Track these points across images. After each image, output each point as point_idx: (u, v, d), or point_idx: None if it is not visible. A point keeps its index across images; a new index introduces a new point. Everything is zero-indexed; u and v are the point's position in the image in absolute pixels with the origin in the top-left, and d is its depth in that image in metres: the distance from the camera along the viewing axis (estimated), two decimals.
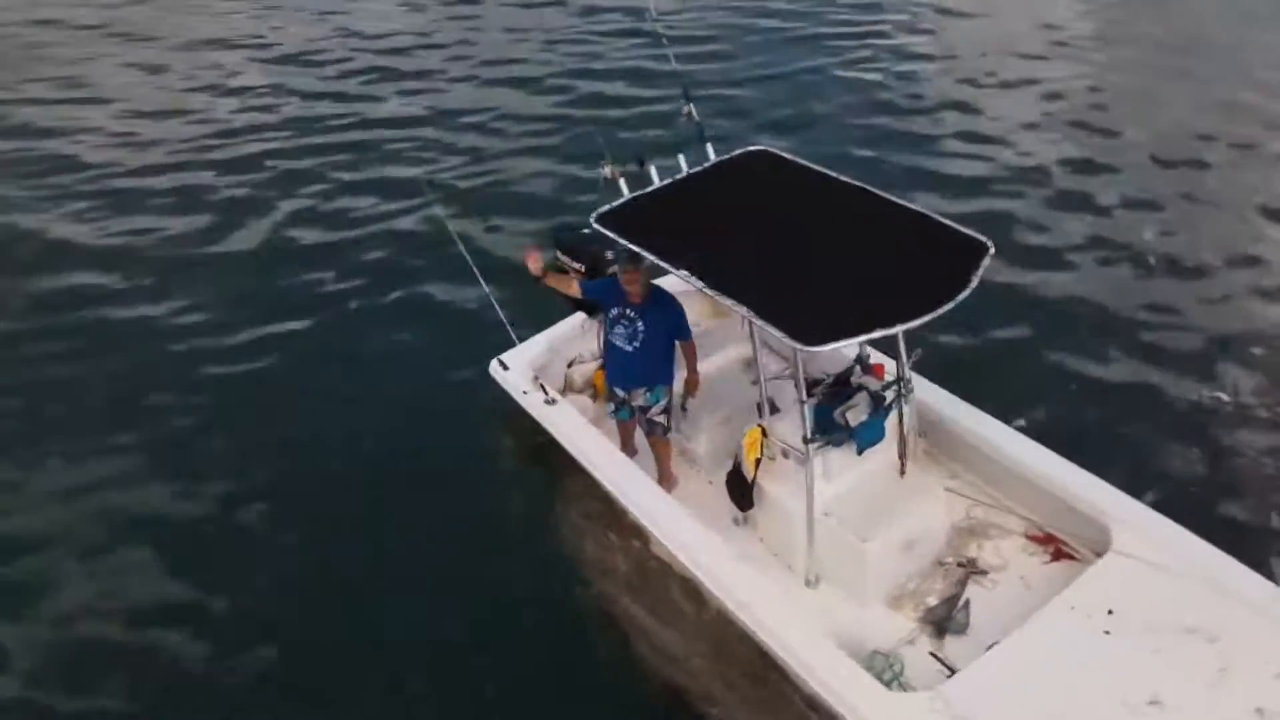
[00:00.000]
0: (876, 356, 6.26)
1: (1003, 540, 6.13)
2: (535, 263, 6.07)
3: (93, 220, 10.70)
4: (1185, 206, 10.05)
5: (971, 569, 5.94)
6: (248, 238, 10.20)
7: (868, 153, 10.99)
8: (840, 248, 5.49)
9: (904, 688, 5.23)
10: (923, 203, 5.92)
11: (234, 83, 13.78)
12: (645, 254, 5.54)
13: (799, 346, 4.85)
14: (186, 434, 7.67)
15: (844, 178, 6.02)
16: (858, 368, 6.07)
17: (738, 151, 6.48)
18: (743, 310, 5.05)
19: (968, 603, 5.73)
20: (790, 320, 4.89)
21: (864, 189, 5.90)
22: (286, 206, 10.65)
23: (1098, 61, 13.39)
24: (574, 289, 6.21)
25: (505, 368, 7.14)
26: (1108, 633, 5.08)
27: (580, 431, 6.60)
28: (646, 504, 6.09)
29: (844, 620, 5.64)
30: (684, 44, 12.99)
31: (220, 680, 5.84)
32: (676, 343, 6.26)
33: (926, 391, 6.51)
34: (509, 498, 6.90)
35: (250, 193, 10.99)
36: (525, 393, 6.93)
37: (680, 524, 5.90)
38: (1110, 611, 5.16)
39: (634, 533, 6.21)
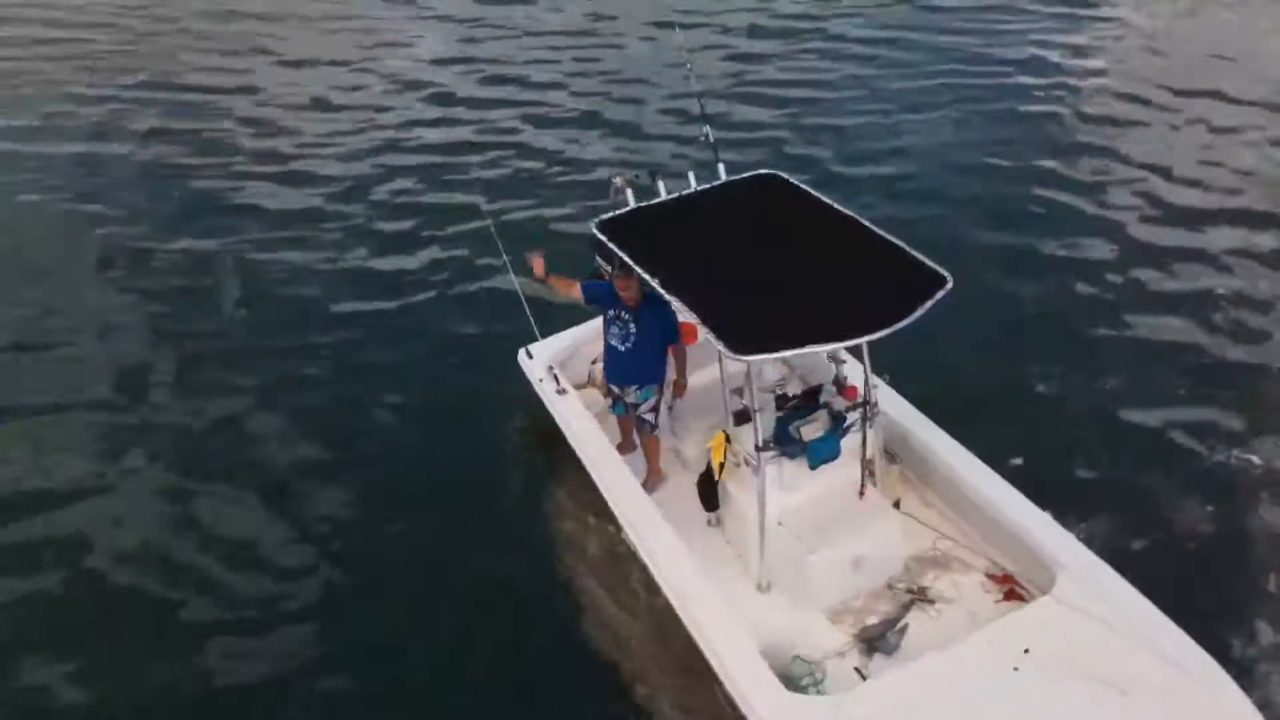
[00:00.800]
0: (856, 379, 6.46)
1: (961, 575, 6.19)
2: (539, 266, 6.63)
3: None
4: None
5: (919, 596, 6.05)
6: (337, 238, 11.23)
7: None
8: (806, 269, 5.75)
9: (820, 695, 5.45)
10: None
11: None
12: (625, 259, 6.00)
13: (729, 354, 5.19)
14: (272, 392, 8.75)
15: (841, 208, 6.25)
16: (832, 387, 6.31)
17: (749, 174, 6.83)
18: (693, 317, 5.42)
19: (905, 627, 5.86)
20: (730, 329, 5.23)
21: (854, 220, 6.11)
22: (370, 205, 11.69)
23: None
24: (575, 290, 6.73)
25: (530, 356, 7.72)
26: (1016, 669, 5.14)
27: (579, 421, 7.08)
28: (619, 494, 6.50)
29: (782, 626, 5.88)
30: (709, 76, 13.56)
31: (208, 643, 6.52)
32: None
33: (909, 419, 6.67)
34: (512, 472, 7.54)
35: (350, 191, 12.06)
36: (540, 380, 7.50)
37: (644, 516, 6.29)
38: (1026, 651, 5.21)
39: (610, 519, 6.65)
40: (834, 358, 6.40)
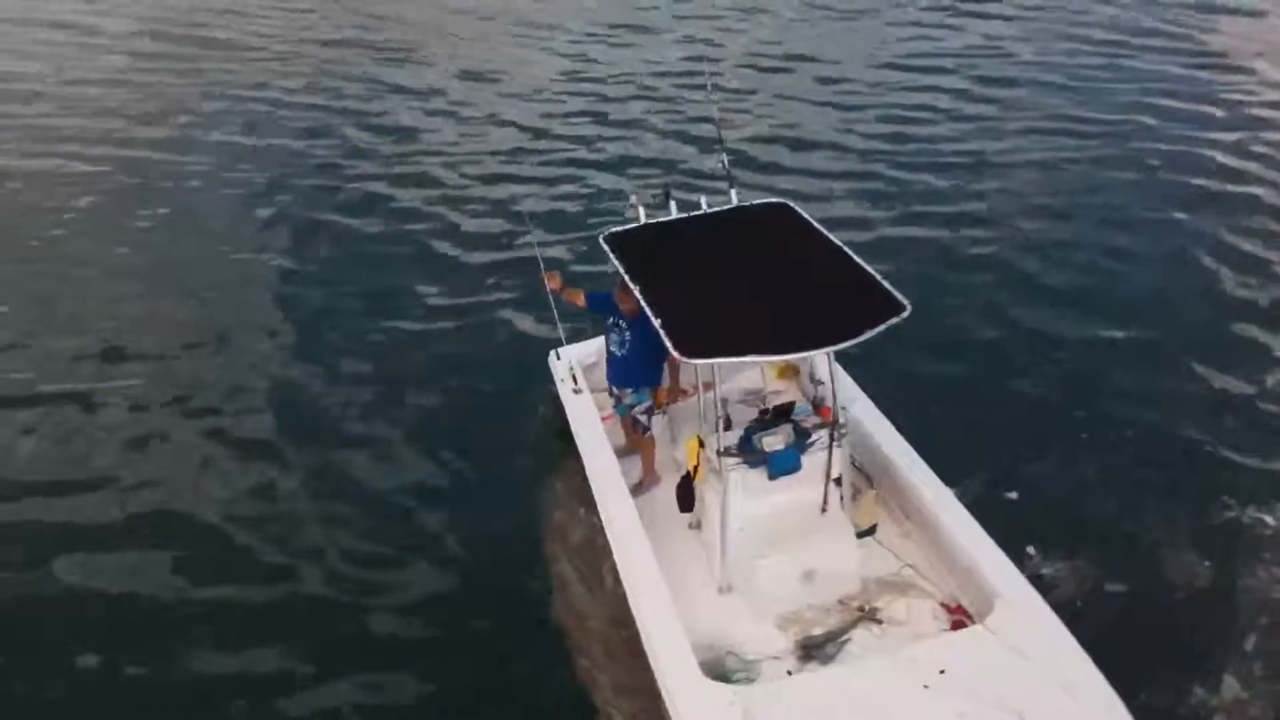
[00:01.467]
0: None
1: (918, 601, 6.32)
2: (553, 280, 7.31)
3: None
4: None
5: (868, 615, 6.21)
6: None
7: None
8: (776, 289, 6.09)
9: None
10: None
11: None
12: (620, 268, 6.50)
13: (677, 355, 5.60)
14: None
15: (833, 238, 6.55)
16: (808, 405, 6.59)
17: (757, 201, 7.23)
18: (656, 323, 5.87)
19: (847, 641, 6.05)
20: (682, 333, 5.65)
21: (840, 249, 6.36)
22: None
23: None
24: (580, 299, 7.28)
25: (558, 358, 8.31)
26: (926, 687, 5.28)
27: (586, 419, 7.59)
28: (604, 486, 6.93)
29: (731, 626, 6.17)
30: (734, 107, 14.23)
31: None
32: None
33: (891, 447, 6.87)
34: (524, 458, 8.21)
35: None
36: (561, 380, 8.07)
37: (620, 509, 6.68)
38: (942, 672, 5.35)
39: (594, 510, 7.10)
40: (815, 379, 6.67)
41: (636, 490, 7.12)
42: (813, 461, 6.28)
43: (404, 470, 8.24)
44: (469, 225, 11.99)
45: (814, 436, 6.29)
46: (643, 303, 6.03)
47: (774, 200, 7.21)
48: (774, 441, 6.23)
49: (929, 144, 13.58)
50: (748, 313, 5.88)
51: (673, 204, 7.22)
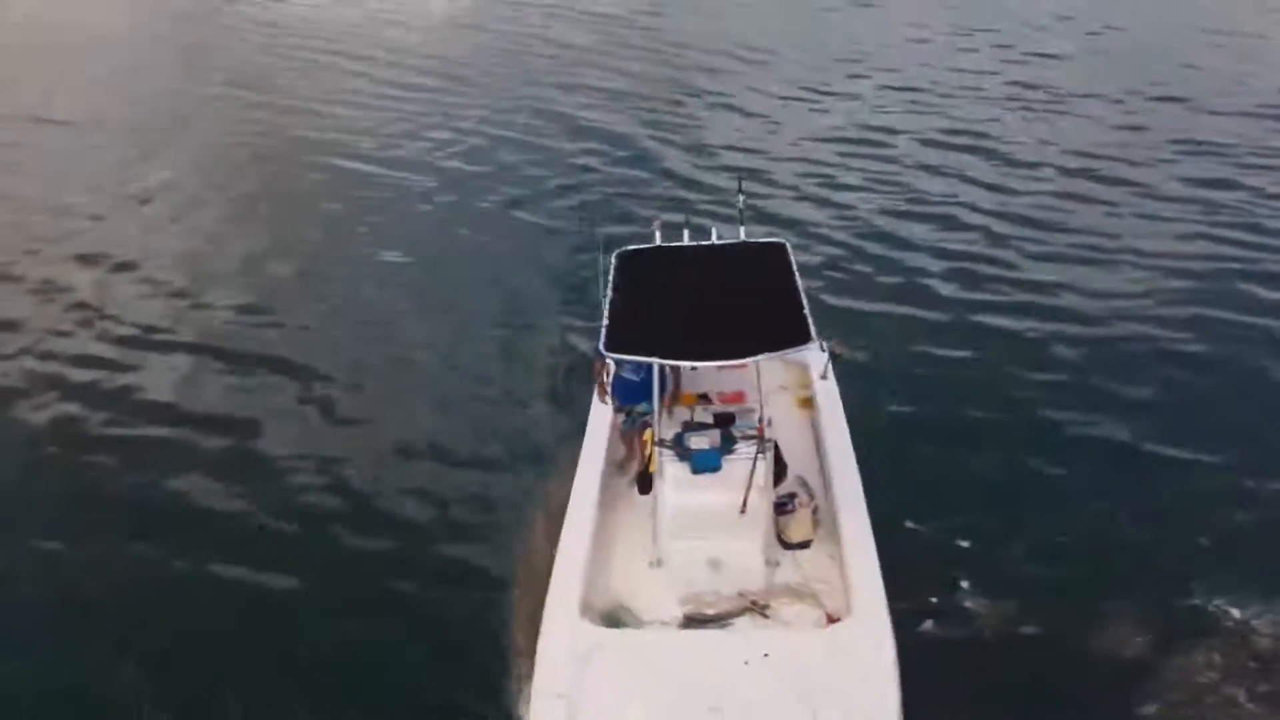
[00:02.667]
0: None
1: (809, 608, 6.92)
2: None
3: None
4: None
5: (757, 609, 6.94)
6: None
7: None
8: (712, 313, 7.06)
9: None
10: None
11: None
12: (610, 281, 7.68)
13: (600, 349, 6.73)
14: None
15: (796, 278, 7.40)
16: (748, 419, 7.43)
17: (760, 239, 8.15)
18: (605, 323, 7.02)
19: (728, 625, 6.84)
20: (611, 335, 6.78)
21: (797, 292, 7.21)
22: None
23: None
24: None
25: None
26: (745, 664, 6.06)
27: (599, 420, 8.68)
28: (584, 469, 7.97)
29: (639, 590, 7.10)
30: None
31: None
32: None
33: (841, 472, 7.60)
34: (545, 440, 9.48)
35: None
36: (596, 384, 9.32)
37: (586, 485, 7.79)
38: (765, 655, 6.10)
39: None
40: (763, 402, 7.51)
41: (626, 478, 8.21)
42: (736, 467, 7.15)
43: (430, 448, 9.79)
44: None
45: (739, 446, 7.16)
46: (604, 305, 7.22)
47: (774, 240, 8.12)
48: (700, 442, 7.17)
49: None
50: (673, 326, 6.90)
51: (686, 232, 8.32)
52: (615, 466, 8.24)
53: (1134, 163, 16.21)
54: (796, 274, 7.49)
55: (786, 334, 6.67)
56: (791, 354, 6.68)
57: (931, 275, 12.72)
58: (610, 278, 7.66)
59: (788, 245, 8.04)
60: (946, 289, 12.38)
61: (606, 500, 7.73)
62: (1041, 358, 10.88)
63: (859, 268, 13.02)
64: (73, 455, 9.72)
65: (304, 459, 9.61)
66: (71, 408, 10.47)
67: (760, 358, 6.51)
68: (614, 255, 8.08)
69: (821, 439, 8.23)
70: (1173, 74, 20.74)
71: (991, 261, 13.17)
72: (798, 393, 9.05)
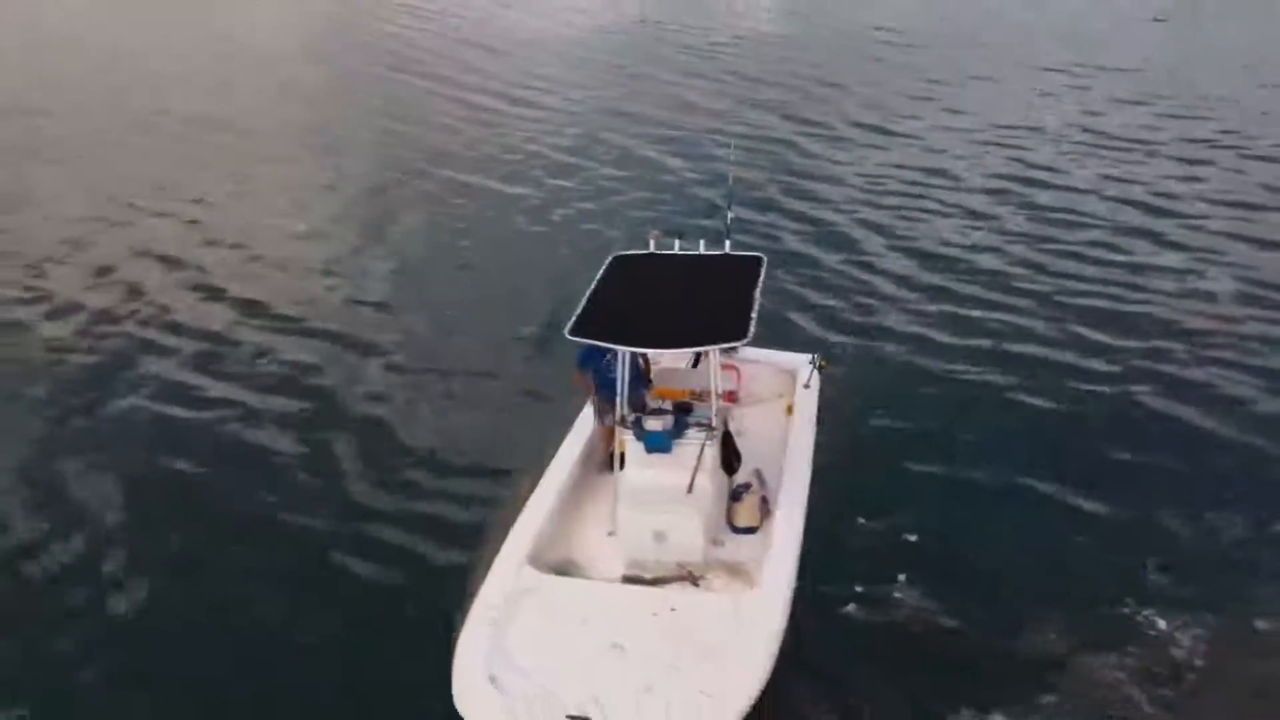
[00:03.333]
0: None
1: (738, 583, 7.69)
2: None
3: None
4: None
5: (691, 579, 7.72)
6: None
7: None
8: (672, 312, 7.96)
9: None
10: None
11: None
12: (598, 278, 8.59)
13: (566, 332, 7.66)
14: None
15: (757, 290, 8.17)
16: (706, 408, 8.21)
17: (739, 253, 8.97)
18: (577, 311, 7.95)
19: (660, 587, 7.64)
20: (580, 322, 7.70)
21: (749, 295, 8.02)
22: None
23: None
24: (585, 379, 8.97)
25: None
26: (654, 615, 6.88)
27: (586, 417, 9.56)
28: (563, 451, 8.82)
29: (591, 551, 8.00)
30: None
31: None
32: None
33: (795, 466, 8.43)
34: (537, 429, 10.16)
35: None
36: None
37: (562, 463, 8.70)
38: (672, 610, 6.90)
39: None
40: (715, 397, 8.30)
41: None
42: (686, 451, 7.94)
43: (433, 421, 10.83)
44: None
45: (690, 432, 7.97)
46: (585, 296, 8.16)
47: (753, 254, 8.93)
48: (654, 424, 8.00)
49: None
50: (634, 319, 7.79)
51: (677, 242, 9.20)
52: (592, 452, 9.09)
53: (1155, 207, 16.40)
54: (759, 284, 8.29)
55: (726, 332, 7.49)
56: (727, 348, 7.52)
57: (915, 295, 13.49)
58: (599, 275, 8.62)
59: (764, 260, 8.84)
60: (928, 310, 13.05)
61: (580, 477, 8.63)
62: (1009, 381, 11.33)
63: (855, 287, 13.73)
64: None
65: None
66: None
67: (688, 350, 7.35)
68: (609, 257, 9.04)
69: (788, 440, 8.94)
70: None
71: (972, 282, 13.87)
72: (786, 399, 9.78)
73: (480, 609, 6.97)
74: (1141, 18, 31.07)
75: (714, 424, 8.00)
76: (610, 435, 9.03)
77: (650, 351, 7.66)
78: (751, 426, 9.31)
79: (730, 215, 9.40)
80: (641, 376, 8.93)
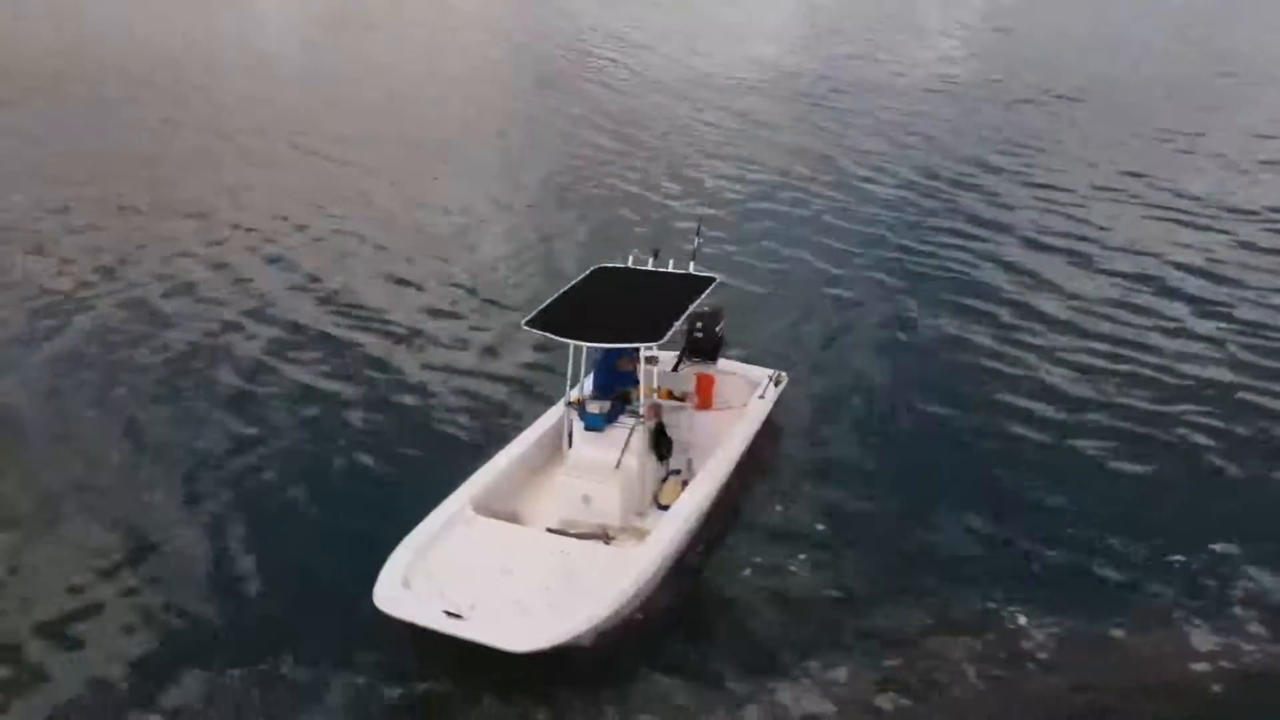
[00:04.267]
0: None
1: (639, 545, 9.16)
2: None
3: None
4: None
5: (604, 538, 9.21)
6: None
7: None
8: (615, 315, 9.50)
9: None
10: None
11: None
12: (573, 282, 10.27)
13: (523, 322, 9.35)
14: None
15: (696, 302, 9.76)
16: (640, 399, 9.70)
17: (702, 272, 10.42)
18: (542, 308, 9.64)
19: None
20: (538, 316, 9.39)
21: (683, 306, 9.63)
22: None
23: None
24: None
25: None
26: (551, 555, 8.53)
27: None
28: (535, 425, 10.58)
29: (533, 509, 9.65)
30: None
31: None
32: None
33: (719, 460, 9.89)
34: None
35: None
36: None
37: (529, 434, 10.42)
38: (564, 552, 8.48)
39: None
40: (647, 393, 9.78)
41: None
42: (618, 433, 9.47)
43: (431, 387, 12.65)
44: None
45: (622, 418, 9.50)
46: (555, 296, 9.86)
47: (708, 275, 10.39)
48: (593, 407, 9.62)
49: None
50: (583, 317, 9.40)
51: (650, 260, 10.74)
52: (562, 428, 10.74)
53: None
54: (698, 299, 9.80)
55: (644, 334, 9.00)
56: (642, 347, 9.05)
57: (870, 313, 14.76)
58: (576, 280, 10.32)
59: (715, 280, 10.31)
60: (883, 329, 14.31)
61: (545, 448, 10.30)
62: (943, 406, 12.21)
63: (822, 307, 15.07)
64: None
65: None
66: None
67: (610, 345, 8.94)
68: (592, 268, 10.71)
69: (724, 437, 10.32)
70: None
71: (918, 298, 15.00)
72: (747, 405, 11.14)
73: (416, 534, 8.75)
74: None
75: (643, 414, 9.51)
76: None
77: (578, 343, 9.24)
78: (711, 426, 10.72)
79: (699, 241, 10.89)
80: (622, 374, 10.47)
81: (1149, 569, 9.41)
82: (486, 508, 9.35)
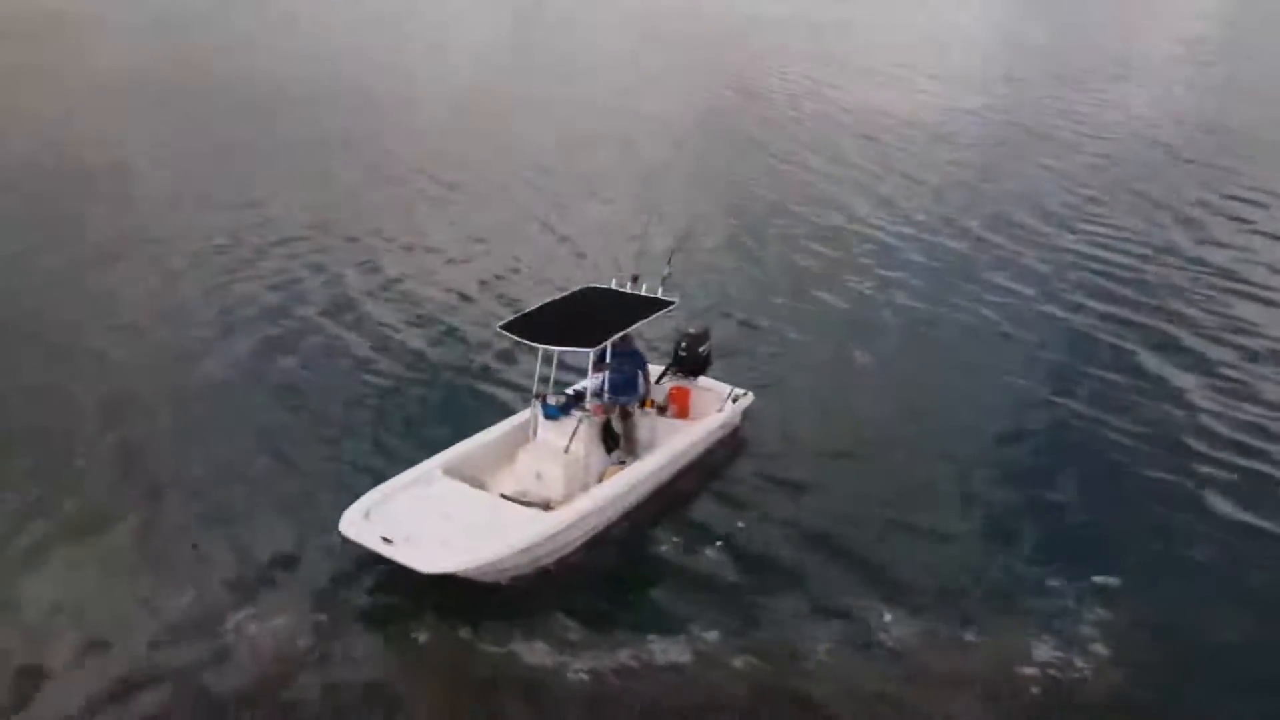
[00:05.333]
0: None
1: None
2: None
3: None
4: None
5: (546, 508, 10.97)
6: None
7: None
8: (579, 325, 11.33)
9: None
10: None
11: None
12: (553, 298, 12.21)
13: (498, 325, 11.34)
14: None
15: (637, 323, 11.60)
16: (590, 397, 11.51)
17: (665, 297, 12.18)
18: (519, 314, 11.62)
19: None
20: (513, 323, 11.36)
21: (634, 323, 11.45)
22: None
23: None
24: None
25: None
26: (485, 511, 10.38)
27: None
28: (518, 414, 12.54)
29: (496, 479, 11.48)
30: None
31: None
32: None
33: (657, 454, 11.60)
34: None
35: None
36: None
37: (511, 421, 12.32)
38: (496, 509, 10.35)
39: None
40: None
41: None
42: (568, 424, 11.29)
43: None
44: None
45: (574, 412, 11.33)
46: (536, 306, 11.85)
47: (667, 299, 12.16)
48: (552, 401, 11.51)
49: None
50: (547, 324, 11.30)
51: (629, 284, 12.57)
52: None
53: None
54: (650, 318, 11.59)
55: (585, 340, 10.89)
56: (577, 350, 11.00)
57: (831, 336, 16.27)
58: (562, 295, 12.29)
59: (674, 303, 12.07)
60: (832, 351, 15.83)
61: (517, 433, 12.18)
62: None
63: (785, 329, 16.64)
64: None
65: None
66: None
67: (559, 349, 10.89)
68: (582, 287, 12.65)
69: (671, 440, 12.00)
70: None
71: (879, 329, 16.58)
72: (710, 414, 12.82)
73: (391, 483, 10.80)
74: None
75: (590, 409, 11.32)
76: (631, 424, 12.15)
77: (532, 343, 11.14)
78: (669, 431, 12.42)
79: (668, 271, 12.71)
80: (629, 378, 12.20)
81: (1014, 587, 10.52)
82: (456, 472, 11.26)
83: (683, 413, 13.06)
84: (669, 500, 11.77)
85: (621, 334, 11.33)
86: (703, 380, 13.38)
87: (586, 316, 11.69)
